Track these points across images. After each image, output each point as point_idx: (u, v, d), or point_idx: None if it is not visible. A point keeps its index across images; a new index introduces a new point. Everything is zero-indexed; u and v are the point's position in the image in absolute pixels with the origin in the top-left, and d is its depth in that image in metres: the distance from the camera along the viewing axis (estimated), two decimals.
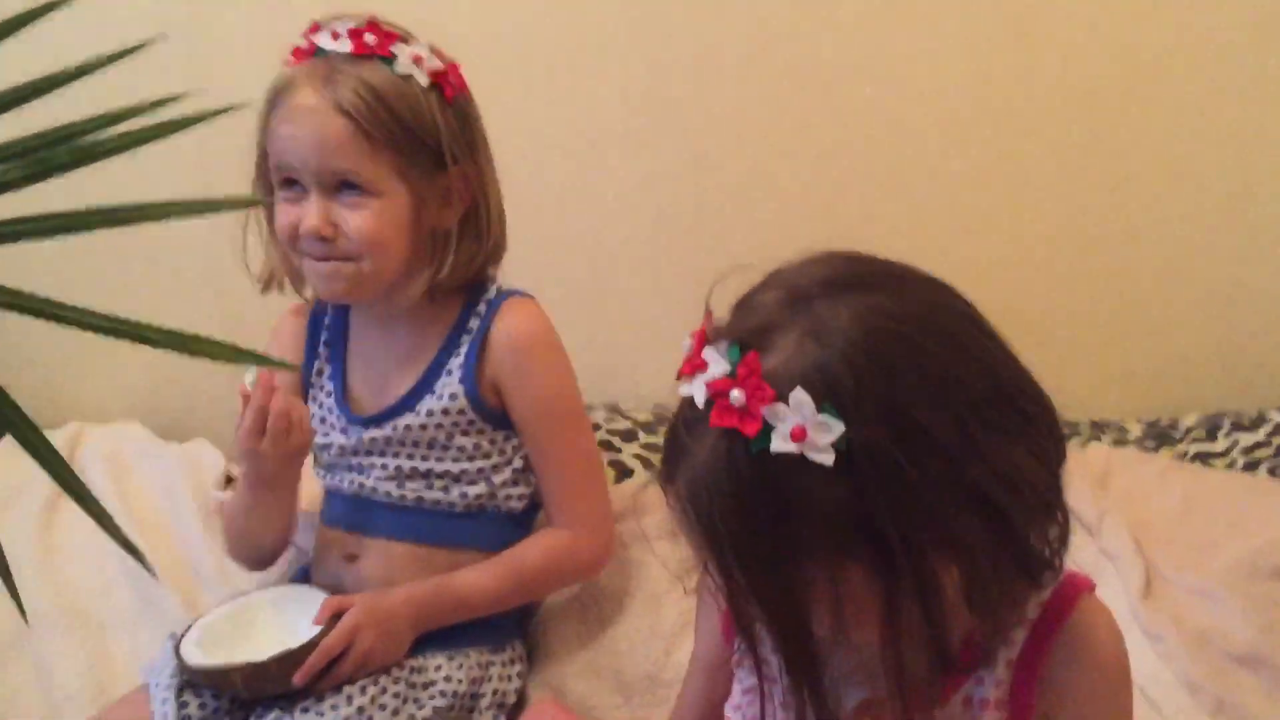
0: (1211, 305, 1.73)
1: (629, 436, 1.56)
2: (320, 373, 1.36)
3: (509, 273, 1.36)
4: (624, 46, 1.70)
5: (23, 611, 0.87)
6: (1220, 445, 1.56)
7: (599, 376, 1.69)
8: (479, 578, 1.27)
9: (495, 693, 1.26)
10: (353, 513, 1.32)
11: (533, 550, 1.30)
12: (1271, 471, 1.49)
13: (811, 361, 0.72)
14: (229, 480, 1.60)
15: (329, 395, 1.34)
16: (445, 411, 1.27)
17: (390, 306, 1.29)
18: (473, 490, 1.28)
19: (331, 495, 1.35)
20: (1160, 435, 1.61)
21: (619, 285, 1.78)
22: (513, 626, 1.34)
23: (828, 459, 0.70)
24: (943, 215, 1.72)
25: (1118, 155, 1.70)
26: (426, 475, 1.29)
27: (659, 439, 1.54)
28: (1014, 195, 1.73)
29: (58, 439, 1.67)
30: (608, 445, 1.54)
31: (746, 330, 0.76)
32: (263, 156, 1.25)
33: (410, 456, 1.29)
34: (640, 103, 1.72)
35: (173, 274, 1.77)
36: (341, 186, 1.20)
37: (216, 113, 0.77)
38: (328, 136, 1.18)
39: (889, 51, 1.69)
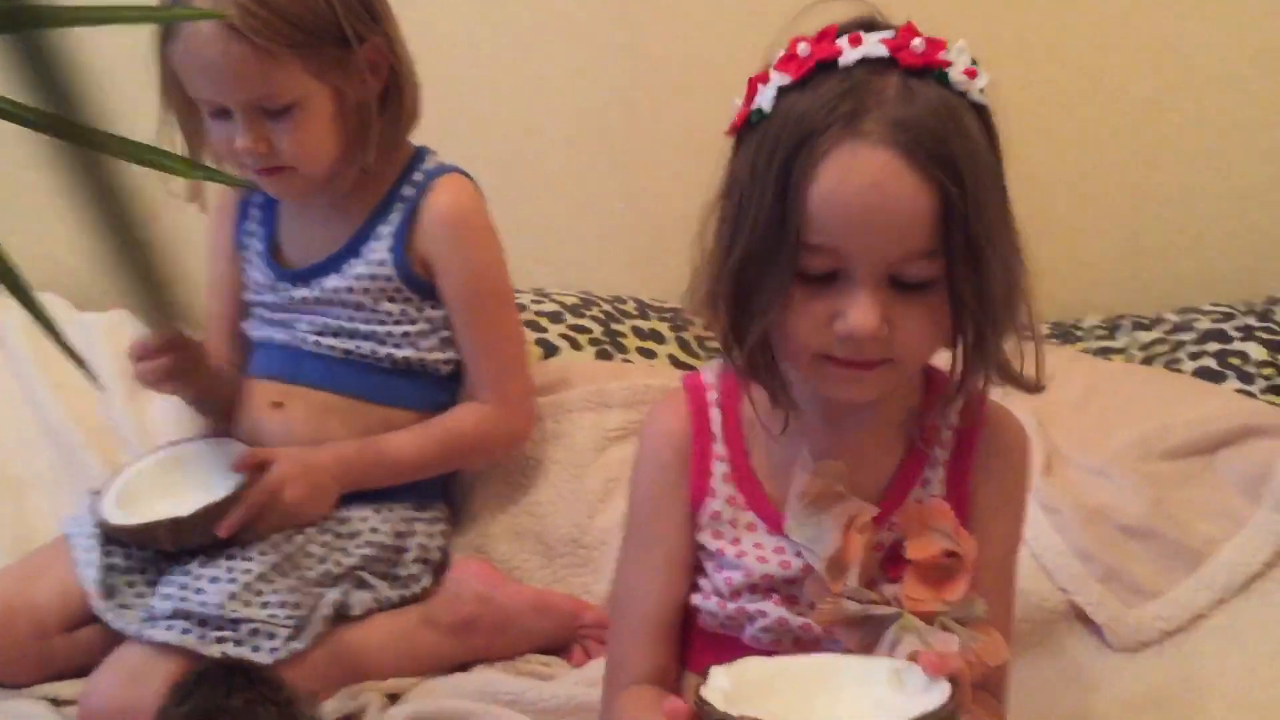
0: (1120, 211, 1.78)
1: (556, 318, 1.58)
2: (251, 233, 1.36)
3: (447, 149, 1.36)
4: None
5: None
6: (1120, 343, 1.63)
7: (527, 259, 1.70)
8: (406, 441, 1.29)
9: (420, 547, 1.29)
10: (281, 363, 1.32)
11: (460, 420, 1.31)
12: (1166, 366, 1.56)
13: None
14: None
15: (258, 254, 1.34)
16: (373, 277, 1.28)
17: (330, 187, 1.29)
18: (398, 352, 1.30)
19: (260, 347, 1.36)
20: (1064, 334, 1.68)
21: (549, 169, 1.79)
22: (436, 488, 1.36)
23: (983, 99, 0.82)
24: None
25: (1041, 55, 1.74)
26: (353, 335, 1.30)
27: (584, 321, 1.59)
28: None
29: None
30: (535, 325, 1.56)
31: (862, 24, 0.84)
32: (167, 76, 1.22)
33: (337, 316, 1.30)
34: None
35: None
36: (260, 105, 1.19)
37: (203, 14, 0.78)
38: (231, 66, 1.15)
39: None
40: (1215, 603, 1.25)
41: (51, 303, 1.70)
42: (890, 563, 0.90)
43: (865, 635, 0.87)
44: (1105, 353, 1.62)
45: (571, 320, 1.59)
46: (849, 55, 0.81)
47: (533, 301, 1.60)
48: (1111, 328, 1.67)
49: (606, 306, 1.64)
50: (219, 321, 1.39)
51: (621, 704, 0.94)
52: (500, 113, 1.76)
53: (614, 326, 1.60)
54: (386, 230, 1.29)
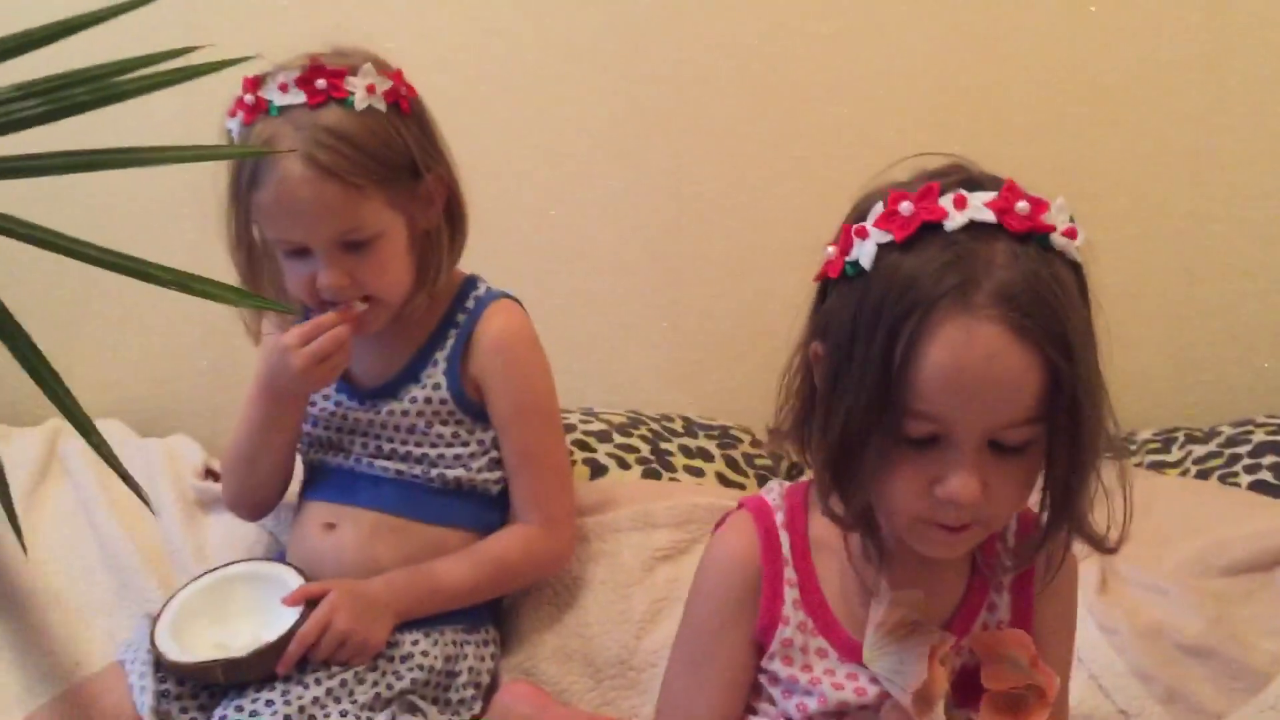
0: (1167, 324, 1.78)
1: (604, 437, 1.59)
2: None
3: (491, 276, 1.41)
4: (608, 57, 1.75)
5: (23, 545, 0.89)
6: (1174, 456, 1.61)
7: (575, 379, 1.73)
8: (457, 569, 1.30)
9: (471, 670, 1.29)
10: (334, 486, 1.35)
11: (507, 545, 1.33)
12: (1221, 480, 1.53)
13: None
14: (209, 472, 1.62)
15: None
16: (429, 401, 1.31)
17: (401, 316, 1.32)
18: (450, 473, 1.32)
19: (313, 471, 1.38)
20: (1117, 449, 1.66)
21: (596, 291, 1.82)
22: (485, 610, 1.36)
23: (1078, 257, 0.83)
24: None
25: (1081, 175, 1.75)
26: (406, 457, 1.32)
27: (631, 440, 1.59)
28: None
29: (37, 436, 1.68)
30: (583, 445, 1.57)
31: (961, 180, 0.84)
32: (241, 217, 1.25)
33: (391, 440, 1.33)
34: (623, 113, 1.77)
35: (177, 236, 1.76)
36: (344, 240, 1.23)
37: (232, 62, 0.82)
38: (323, 206, 1.20)
39: (861, 67, 1.75)
40: None
41: (113, 428, 1.75)
42: (960, 687, 0.91)
43: None
44: (1159, 466, 1.60)
45: (619, 439, 1.60)
46: (955, 219, 0.80)
47: (580, 421, 1.62)
48: (1166, 441, 1.65)
49: (654, 425, 1.65)
50: None
51: None
52: (548, 236, 1.80)
53: (662, 445, 1.61)
54: (442, 356, 1.33)
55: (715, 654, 0.95)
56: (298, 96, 1.20)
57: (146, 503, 0.83)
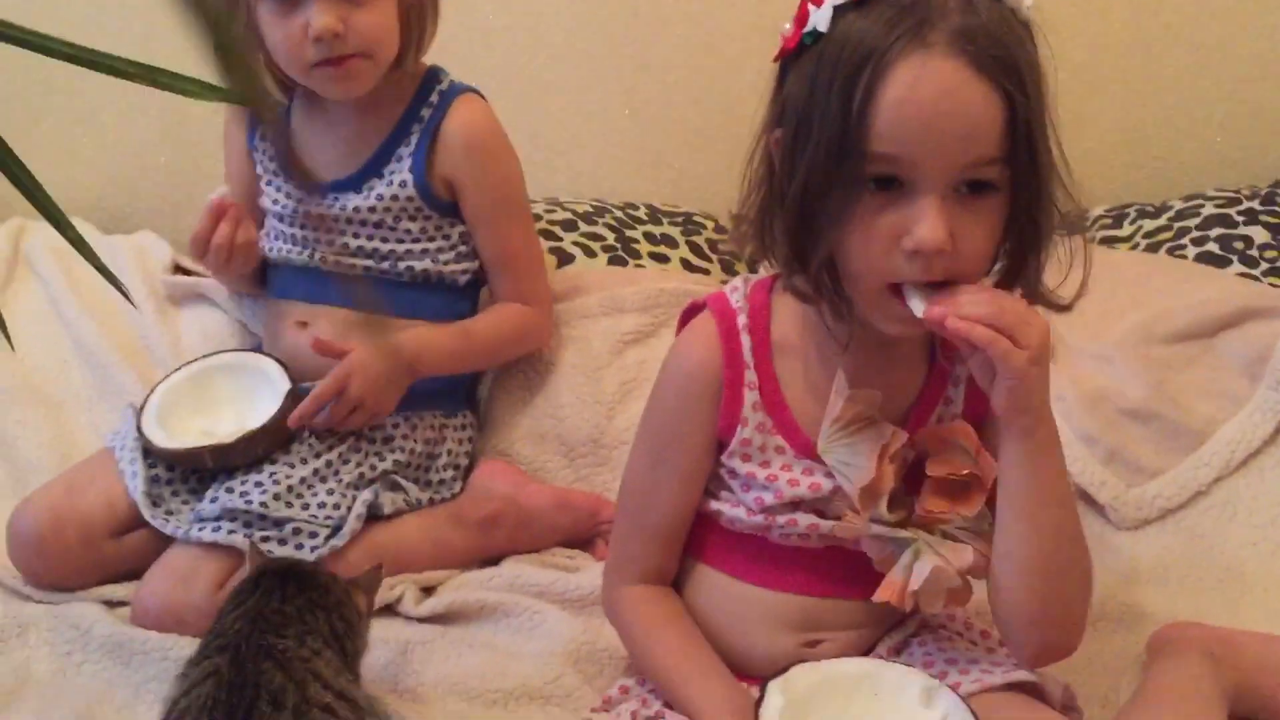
0: (1123, 100, 1.78)
1: (569, 226, 1.61)
2: (265, 152, 1.38)
3: (451, 66, 1.38)
4: None
5: (8, 338, 0.91)
6: (1125, 231, 1.65)
7: (539, 169, 1.73)
8: (485, 325, 1.35)
9: (450, 453, 1.35)
10: (303, 283, 1.36)
11: (507, 313, 1.37)
12: (1170, 252, 1.57)
13: None
14: (177, 267, 1.62)
15: (273, 169, 1.37)
16: (394, 198, 1.31)
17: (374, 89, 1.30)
18: (418, 265, 1.33)
19: (280, 268, 1.38)
20: (1070, 225, 1.69)
21: (557, 80, 1.79)
22: (462, 396, 1.41)
23: (1030, 14, 0.84)
24: None
25: None
26: (371, 254, 1.33)
27: (597, 229, 1.61)
28: None
29: (1, 233, 1.68)
30: (549, 234, 1.58)
31: None
32: None
33: (356, 235, 1.33)
34: None
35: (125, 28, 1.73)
36: None
37: None
38: None
39: None
40: (1214, 480, 1.30)
41: (78, 227, 1.74)
42: (907, 478, 0.93)
43: (885, 549, 0.92)
44: (1111, 242, 1.64)
45: (585, 228, 1.61)
46: None
47: (546, 211, 1.63)
48: (1118, 217, 1.68)
49: (619, 214, 1.66)
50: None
51: (629, 600, 0.99)
52: (505, 25, 1.76)
53: (627, 233, 1.63)
54: (406, 152, 1.32)
55: (674, 452, 0.97)
56: None
57: (126, 295, 0.84)
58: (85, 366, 1.50)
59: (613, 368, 1.43)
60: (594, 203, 1.69)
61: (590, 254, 1.59)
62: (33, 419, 1.43)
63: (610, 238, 1.61)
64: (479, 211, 1.34)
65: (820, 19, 0.83)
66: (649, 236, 1.63)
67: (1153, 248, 1.59)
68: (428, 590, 1.24)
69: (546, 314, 1.41)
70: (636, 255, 1.60)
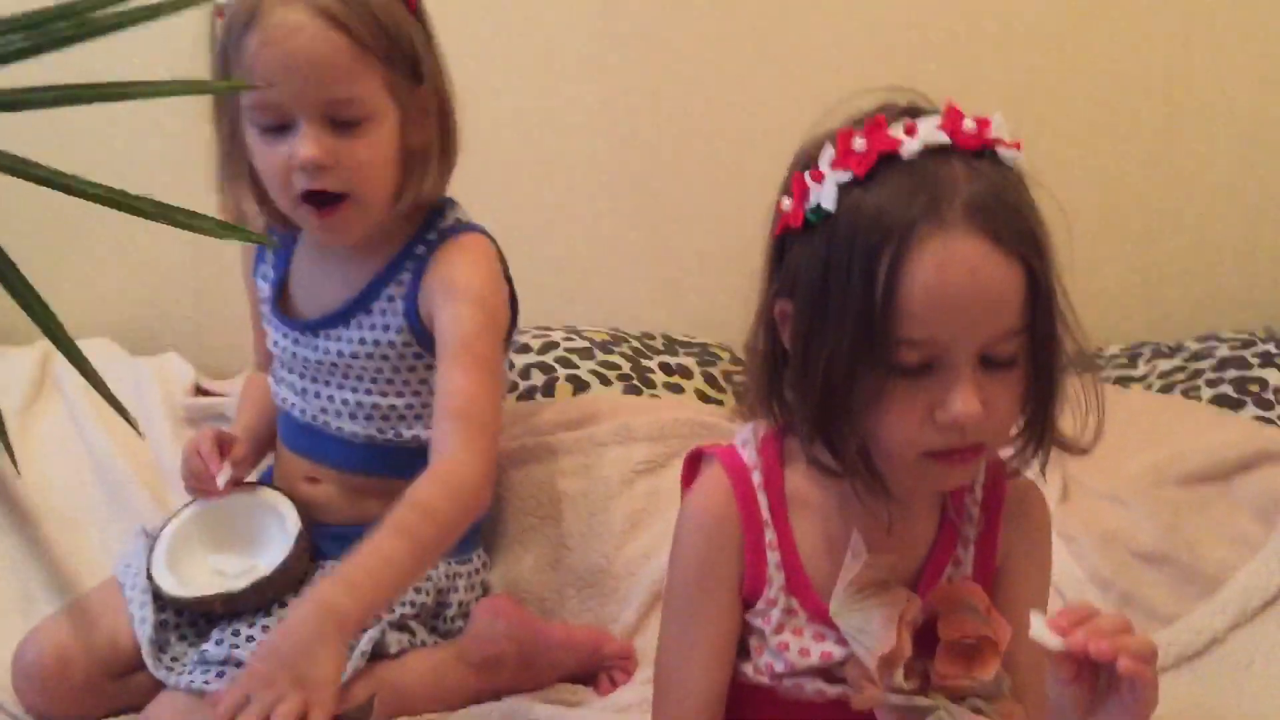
0: (1137, 240, 1.81)
1: (586, 354, 1.63)
2: (265, 276, 1.35)
3: (472, 194, 1.37)
4: None
5: (15, 463, 0.93)
6: (1140, 370, 1.65)
7: (557, 297, 1.77)
8: (394, 547, 1.04)
9: (461, 602, 1.31)
10: (307, 440, 1.32)
11: (424, 494, 1.09)
12: (1184, 393, 1.57)
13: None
14: (198, 390, 1.66)
15: (267, 299, 1.33)
16: (391, 344, 1.25)
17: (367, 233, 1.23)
18: (422, 434, 1.26)
19: (286, 416, 1.35)
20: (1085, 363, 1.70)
21: (578, 209, 1.84)
22: (473, 536, 1.35)
23: (1023, 167, 0.85)
24: None
25: (1056, 92, 1.77)
26: (371, 414, 1.27)
27: (613, 357, 1.63)
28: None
29: (30, 355, 1.71)
30: (566, 362, 1.60)
31: (902, 111, 0.86)
32: (221, 93, 1.18)
33: (355, 390, 1.28)
34: (604, 30, 1.78)
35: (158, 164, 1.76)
36: (333, 113, 1.13)
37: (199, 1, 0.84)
38: (322, 56, 1.10)
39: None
40: (1230, 627, 1.27)
41: (105, 347, 1.78)
42: (921, 637, 0.91)
43: (904, 718, 0.90)
44: (1125, 381, 1.64)
45: (601, 356, 1.63)
46: (909, 146, 0.82)
47: (564, 339, 1.65)
48: (1132, 356, 1.69)
49: (635, 343, 1.69)
50: (261, 342, 1.39)
51: None
52: (526, 155, 1.81)
53: (643, 362, 1.65)
54: (400, 292, 1.24)
55: (703, 615, 0.94)
56: None
57: (134, 425, 0.85)
58: (101, 486, 1.52)
59: (623, 498, 1.43)
60: (611, 331, 1.71)
61: (605, 382, 1.60)
62: (46, 536, 1.45)
63: (626, 366, 1.63)
64: (440, 348, 1.20)
65: (826, 196, 0.83)
66: (664, 366, 1.65)
67: (1167, 388, 1.60)
68: None
69: (483, 473, 1.14)
70: (651, 385, 1.61)
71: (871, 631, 0.88)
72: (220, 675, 1.15)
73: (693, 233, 1.84)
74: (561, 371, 1.58)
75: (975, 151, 0.82)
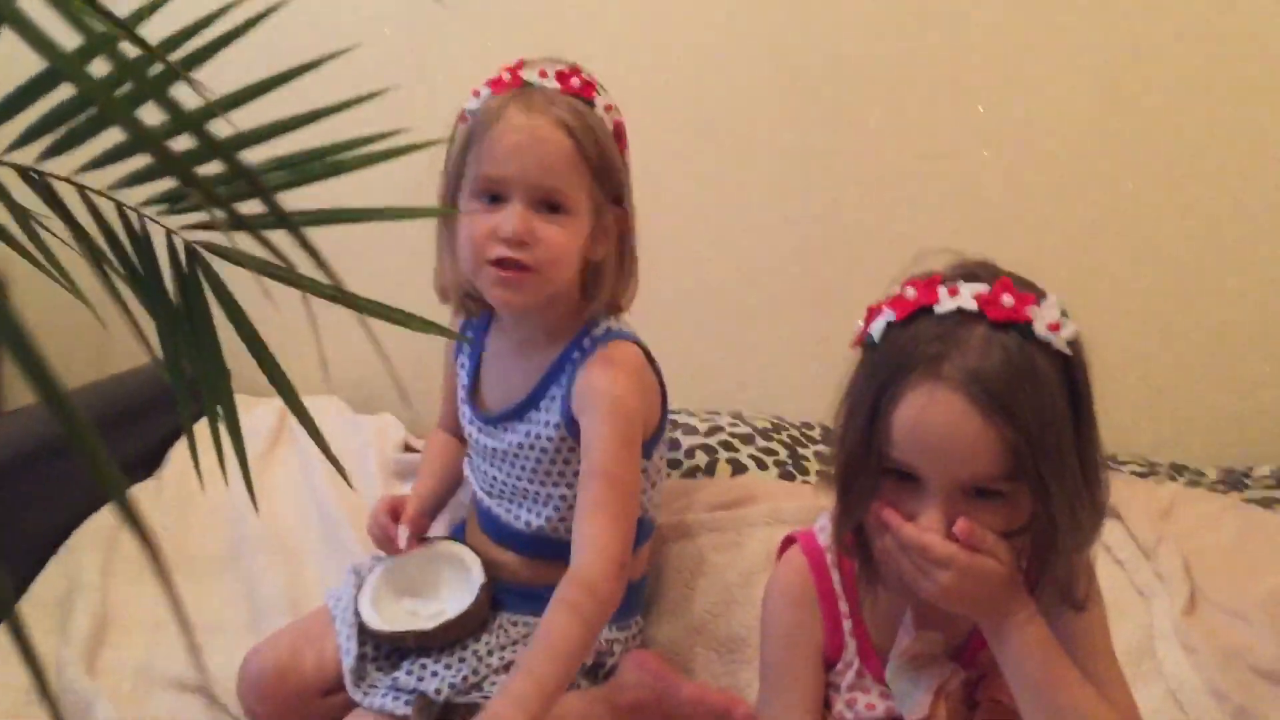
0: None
1: (747, 439, 1.77)
2: (462, 365, 1.53)
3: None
4: (773, 101, 1.91)
5: (254, 502, 1.14)
6: None
7: (729, 384, 1.91)
8: (550, 671, 1.17)
9: (616, 665, 1.45)
10: (492, 525, 1.50)
11: (565, 622, 1.21)
12: None
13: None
14: (407, 447, 1.88)
15: (463, 384, 1.51)
16: (550, 439, 1.39)
17: (532, 325, 1.40)
18: (566, 522, 1.39)
19: (475, 498, 1.53)
20: (1234, 481, 1.73)
21: (758, 308, 1.98)
22: (635, 601, 1.50)
23: (1065, 349, 0.93)
24: (1056, 264, 1.89)
25: (1218, 221, 1.83)
26: (545, 500, 1.42)
27: (772, 444, 1.77)
28: (1120, 254, 1.88)
29: (272, 407, 1.99)
30: (728, 446, 1.75)
31: (966, 273, 0.97)
32: (454, 180, 1.34)
33: (528, 479, 1.43)
34: (786, 150, 1.93)
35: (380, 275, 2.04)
36: (543, 202, 1.29)
37: (427, 144, 1.05)
38: (550, 150, 1.28)
39: (1011, 110, 1.86)
40: None
41: (333, 404, 2.04)
42: (969, 696, 1.04)
43: None
44: (1269, 503, 1.66)
45: (761, 443, 1.77)
46: (945, 304, 0.94)
47: (729, 424, 1.80)
48: None
49: (794, 431, 1.82)
50: (449, 404, 1.60)
51: None
52: (716, 257, 1.96)
53: (799, 450, 1.77)
54: (559, 394, 1.38)
55: (792, 673, 1.07)
56: (551, 82, 1.31)
57: (345, 477, 1.04)
58: (322, 526, 1.75)
59: (767, 572, 1.52)
60: (774, 419, 1.85)
61: (762, 466, 1.74)
62: (274, 566, 1.67)
63: (782, 453, 1.76)
64: (582, 457, 1.32)
65: (876, 329, 0.98)
66: (820, 456, 1.77)
67: None
68: None
69: (609, 575, 1.24)
70: (805, 471, 1.74)
71: (915, 698, 1.01)
72: (407, 703, 1.33)
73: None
74: (723, 454, 1.73)
75: (1002, 323, 0.92)
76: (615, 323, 1.43)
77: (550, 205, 1.30)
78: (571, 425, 1.37)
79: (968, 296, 0.93)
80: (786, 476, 1.73)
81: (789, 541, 1.14)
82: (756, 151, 1.95)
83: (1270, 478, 1.73)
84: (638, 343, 1.42)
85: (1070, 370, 0.94)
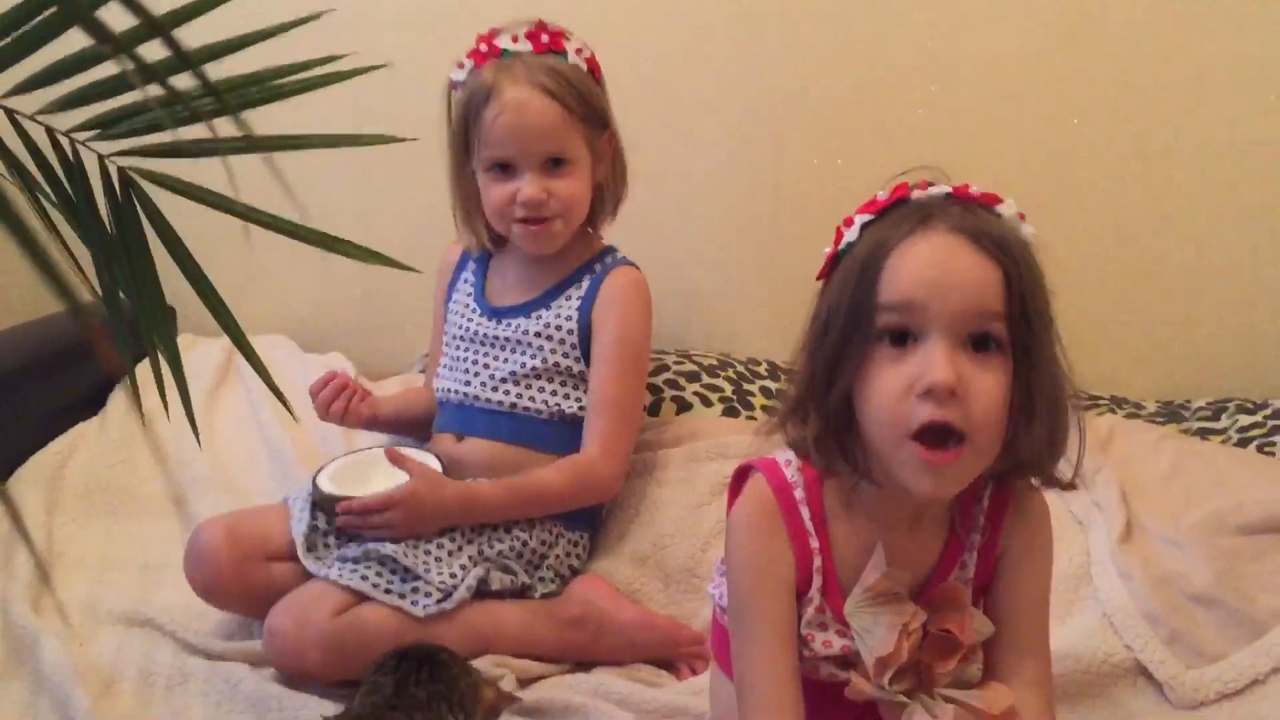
0: (1232, 301, 1.87)
1: (693, 377, 1.78)
2: (467, 280, 1.66)
3: (621, 235, 1.63)
4: (721, 34, 1.93)
5: (197, 437, 1.14)
6: (1222, 424, 1.71)
7: (678, 325, 1.92)
8: (493, 493, 1.49)
9: (557, 559, 1.52)
10: (458, 419, 1.61)
11: (552, 476, 1.51)
12: (1259, 448, 1.63)
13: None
14: None
15: (469, 294, 1.64)
16: (558, 328, 1.55)
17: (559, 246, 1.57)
18: (553, 401, 1.54)
19: (441, 406, 1.64)
20: (1172, 413, 1.76)
21: (701, 250, 2.01)
22: (585, 516, 1.57)
23: (1030, 237, 0.96)
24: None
25: (1159, 159, 1.85)
26: (522, 379, 1.55)
27: (718, 381, 1.78)
28: (1063, 191, 1.89)
29: (218, 346, 1.97)
30: (674, 384, 1.77)
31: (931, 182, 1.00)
32: (461, 152, 1.53)
33: (510, 361, 1.56)
34: (731, 86, 1.94)
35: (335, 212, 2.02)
36: (549, 161, 1.49)
37: (367, 70, 1.04)
38: (543, 121, 1.47)
39: (957, 45, 1.87)
40: (1272, 670, 1.32)
41: (281, 343, 2.03)
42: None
43: (889, 709, 1.02)
44: (1205, 433, 1.70)
45: (707, 380, 1.78)
46: (918, 194, 0.98)
47: (675, 362, 1.81)
48: (1217, 410, 1.74)
49: (740, 368, 1.83)
50: (436, 359, 1.70)
51: None
52: (662, 202, 1.96)
53: (745, 386, 1.79)
54: (577, 294, 1.57)
55: (763, 607, 1.03)
56: (525, 45, 1.49)
57: (290, 410, 1.06)
58: (271, 463, 1.76)
59: (712, 507, 1.58)
60: (720, 356, 1.86)
61: (707, 403, 1.75)
62: (222, 505, 1.65)
63: (728, 389, 1.77)
64: (597, 351, 1.55)
65: (851, 234, 0.98)
66: (765, 390, 1.79)
67: (1244, 442, 1.65)
68: (523, 682, 1.40)
69: (614, 467, 1.54)
70: (750, 407, 1.76)
71: (876, 634, 1.00)
72: (354, 572, 1.38)
73: (809, 273, 1.95)
74: (668, 393, 1.74)
75: (976, 203, 0.96)
76: (619, 253, 1.63)
77: (555, 162, 1.50)
78: (584, 323, 1.55)
79: (940, 187, 0.97)
80: (731, 413, 1.75)
81: (744, 470, 1.10)
82: (702, 90, 1.95)
83: (1207, 409, 1.76)
84: (640, 272, 1.61)
85: (1033, 256, 0.96)
